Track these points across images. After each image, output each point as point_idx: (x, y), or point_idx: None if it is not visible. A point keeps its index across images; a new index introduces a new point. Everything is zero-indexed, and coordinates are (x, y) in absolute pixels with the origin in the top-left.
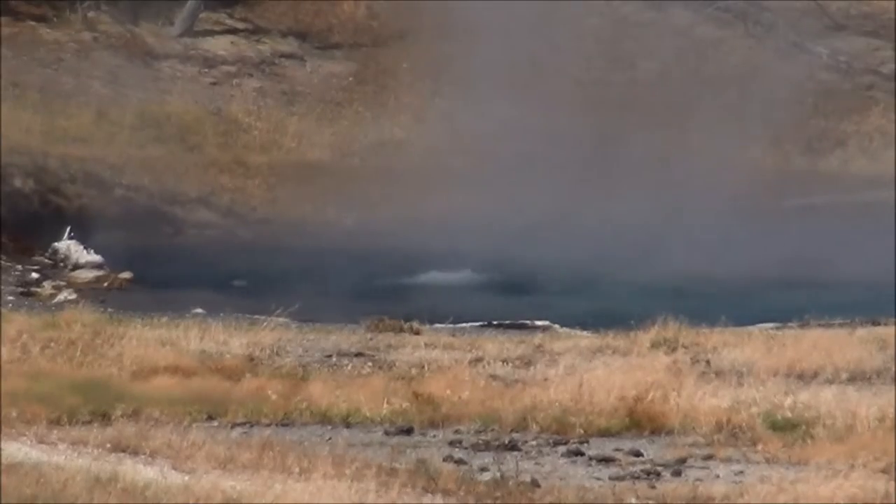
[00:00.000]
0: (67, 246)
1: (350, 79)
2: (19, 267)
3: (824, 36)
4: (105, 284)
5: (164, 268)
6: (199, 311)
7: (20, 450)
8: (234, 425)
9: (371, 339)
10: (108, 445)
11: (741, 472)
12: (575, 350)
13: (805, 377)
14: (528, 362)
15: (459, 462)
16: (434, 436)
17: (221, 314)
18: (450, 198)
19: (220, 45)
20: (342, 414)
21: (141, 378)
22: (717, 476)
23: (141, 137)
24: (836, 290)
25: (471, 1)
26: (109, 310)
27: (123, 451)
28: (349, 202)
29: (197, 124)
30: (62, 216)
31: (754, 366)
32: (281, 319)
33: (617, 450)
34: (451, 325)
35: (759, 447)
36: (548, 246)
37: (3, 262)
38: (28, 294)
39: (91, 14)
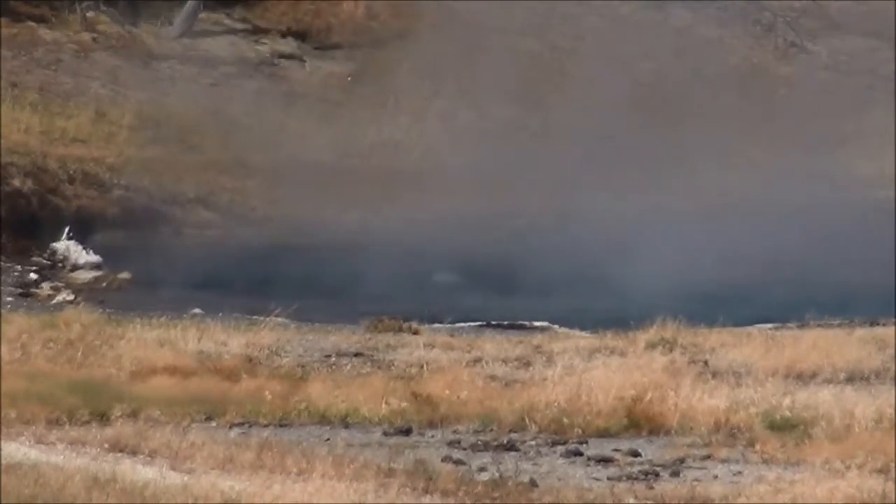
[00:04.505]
0: (66, 246)
1: (350, 79)
2: (18, 267)
3: (824, 36)
4: (104, 285)
5: (162, 268)
6: (198, 311)
7: (19, 450)
8: (232, 425)
9: (370, 339)
10: (107, 446)
11: (739, 472)
12: (573, 350)
13: (803, 377)
14: (526, 363)
15: (458, 462)
16: (433, 436)
17: (220, 314)
18: (450, 198)
19: (219, 46)
20: (341, 414)
21: (140, 378)
22: (716, 476)
23: (140, 138)
24: (835, 290)
25: (471, 1)
26: (108, 310)
27: (122, 451)
28: (349, 202)
29: (196, 125)
30: (61, 216)
31: (753, 366)
32: (280, 319)
33: (615, 450)
34: (449, 325)
35: (758, 447)
36: (547, 246)
37: (2, 263)
38: (27, 295)
39: (90, 14)
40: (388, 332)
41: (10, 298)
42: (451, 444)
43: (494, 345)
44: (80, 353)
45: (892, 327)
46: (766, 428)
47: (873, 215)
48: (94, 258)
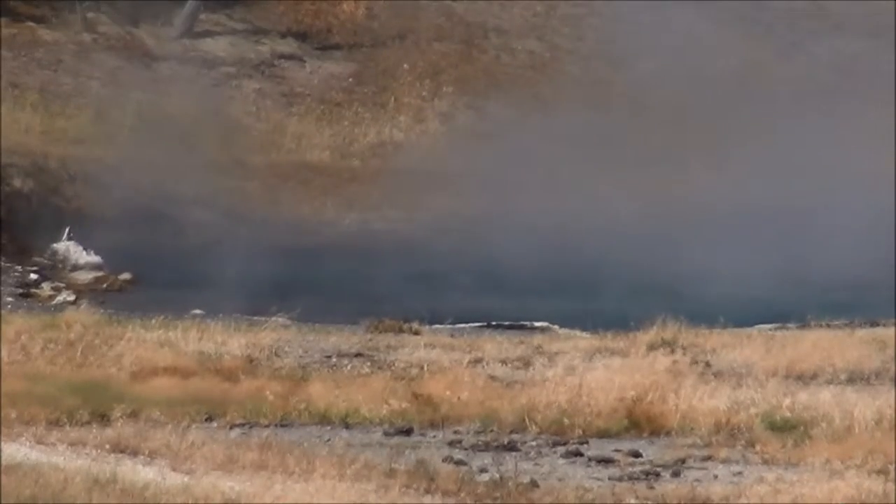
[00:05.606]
0: (67, 247)
1: (350, 79)
2: (18, 268)
3: (824, 36)
4: (104, 285)
5: (163, 269)
6: (199, 311)
7: (19, 451)
8: (233, 426)
9: (370, 339)
10: (108, 446)
11: (740, 472)
12: (574, 351)
13: (804, 378)
14: (527, 363)
15: (459, 463)
16: (433, 436)
17: (220, 315)
18: (450, 198)
19: (219, 46)
20: (341, 414)
21: (140, 379)
22: (716, 477)
23: (140, 138)
24: (835, 290)
25: (471, 1)
26: (109, 311)
27: (122, 451)
28: (349, 202)
29: (196, 125)
30: (61, 217)
31: (753, 367)
32: (280, 320)
33: (616, 450)
34: (450, 326)
35: (758, 448)
36: (547, 246)
37: (2, 263)
38: (27, 295)
39: (90, 15)
40: (389, 333)
41: (10, 299)
42: (451, 444)
43: (495, 345)
44: (80, 354)
45: (893, 328)
46: (767, 428)
47: (873, 215)
48: (94, 259)
